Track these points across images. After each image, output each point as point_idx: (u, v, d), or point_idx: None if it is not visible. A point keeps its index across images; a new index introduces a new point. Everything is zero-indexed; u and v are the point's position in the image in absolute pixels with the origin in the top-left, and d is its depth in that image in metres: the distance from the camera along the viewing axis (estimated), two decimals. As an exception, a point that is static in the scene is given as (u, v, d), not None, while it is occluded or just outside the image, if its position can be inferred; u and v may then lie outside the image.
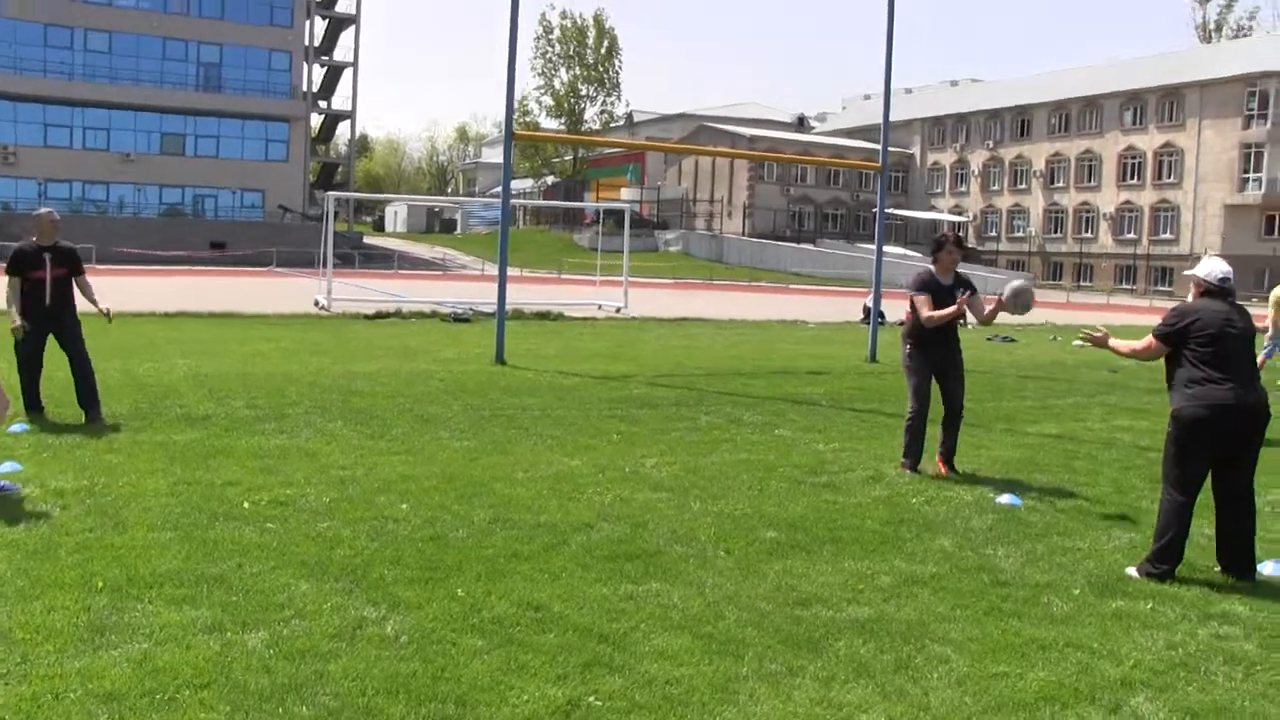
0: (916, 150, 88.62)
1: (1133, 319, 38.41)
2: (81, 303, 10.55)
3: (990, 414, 12.67)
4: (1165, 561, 6.22)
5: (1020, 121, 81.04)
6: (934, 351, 8.97)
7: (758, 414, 12.23)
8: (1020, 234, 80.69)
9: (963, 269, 9.34)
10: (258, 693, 4.26)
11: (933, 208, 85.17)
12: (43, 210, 10.60)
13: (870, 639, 5.11)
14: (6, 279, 10.26)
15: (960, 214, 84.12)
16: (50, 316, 10.31)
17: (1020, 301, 8.77)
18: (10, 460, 8.10)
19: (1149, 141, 71.90)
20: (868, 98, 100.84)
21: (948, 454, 9.08)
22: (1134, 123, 73.07)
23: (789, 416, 12.13)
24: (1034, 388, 15.84)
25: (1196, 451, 6.23)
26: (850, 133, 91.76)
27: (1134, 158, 72.98)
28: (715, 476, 8.66)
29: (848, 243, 78.27)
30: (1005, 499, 8.12)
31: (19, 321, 10.12)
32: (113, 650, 4.62)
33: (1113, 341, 6.86)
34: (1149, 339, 6.55)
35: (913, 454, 9.05)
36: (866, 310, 27.66)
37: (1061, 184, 77.84)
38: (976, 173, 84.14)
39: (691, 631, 5.13)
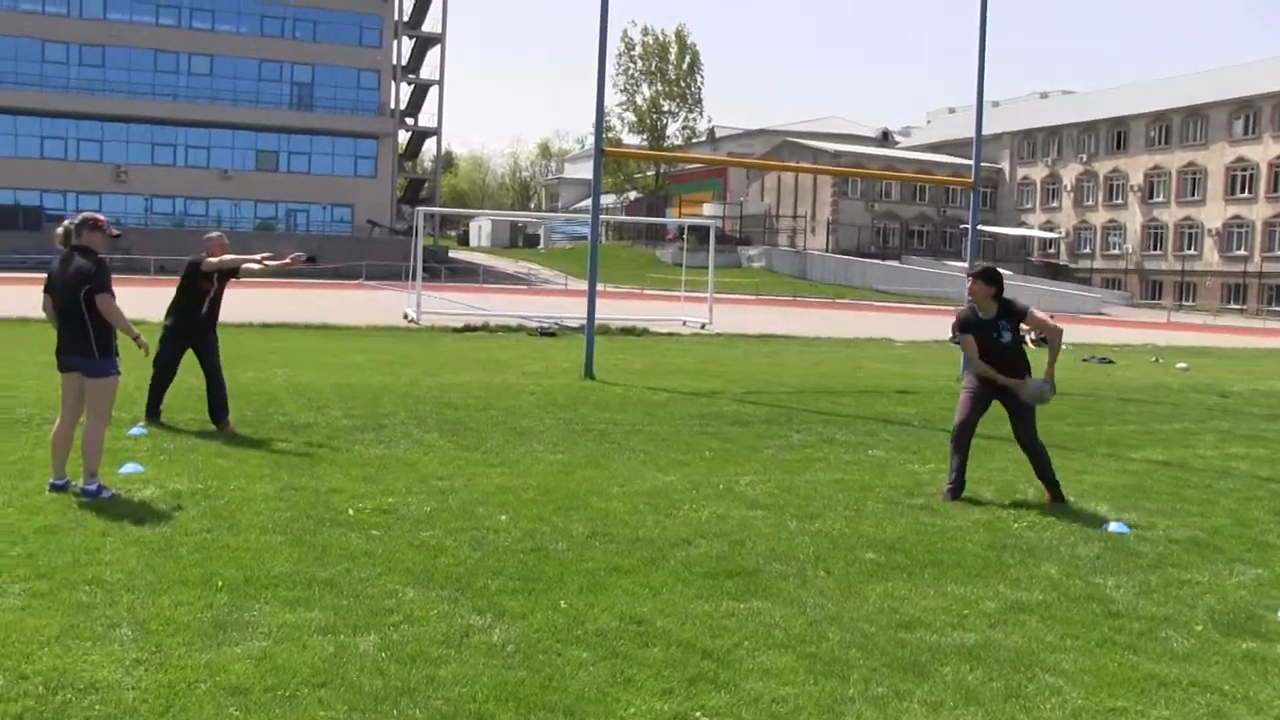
0: (1005, 165, 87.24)
1: (1241, 340, 37.45)
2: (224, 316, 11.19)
3: (1091, 438, 12.41)
4: None
5: (1116, 134, 78.90)
6: (986, 383, 8.71)
7: (850, 433, 12.16)
8: (1116, 251, 78.74)
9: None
10: (372, 694, 4.37)
11: (1023, 224, 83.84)
12: (213, 234, 11.15)
13: (978, 665, 5.03)
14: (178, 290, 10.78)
15: (1051, 230, 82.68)
16: (196, 329, 10.78)
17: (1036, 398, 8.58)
18: (133, 462, 8.53)
19: (1263, 152, 68.72)
20: (952, 111, 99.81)
21: (1046, 484, 8.79)
22: (1245, 132, 70.33)
23: (882, 436, 12.05)
24: (1136, 411, 15.44)
25: None
26: (935, 147, 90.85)
27: (1245, 169, 70.06)
28: (810, 495, 8.62)
29: (934, 259, 77.32)
30: (1113, 527, 7.84)
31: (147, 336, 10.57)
32: (235, 646, 4.79)
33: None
34: None
35: (952, 474, 8.76)
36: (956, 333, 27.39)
37: (1161, 198, 75.42)
38: (1069, 187, 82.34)
39: (795, 650, 5.11)
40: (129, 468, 8.34)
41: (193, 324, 10.73)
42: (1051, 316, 9.09)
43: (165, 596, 5.41)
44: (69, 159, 65.52)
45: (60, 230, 7.62)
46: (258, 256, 11.26)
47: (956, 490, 8.72)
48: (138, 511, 7.07)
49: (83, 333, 7.47)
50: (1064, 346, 27.64)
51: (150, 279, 44.87)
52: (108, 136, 66.06)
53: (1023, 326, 8.68)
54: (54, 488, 7.48)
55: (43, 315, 7.94)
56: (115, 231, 7.94)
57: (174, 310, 10.79)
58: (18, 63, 63.94)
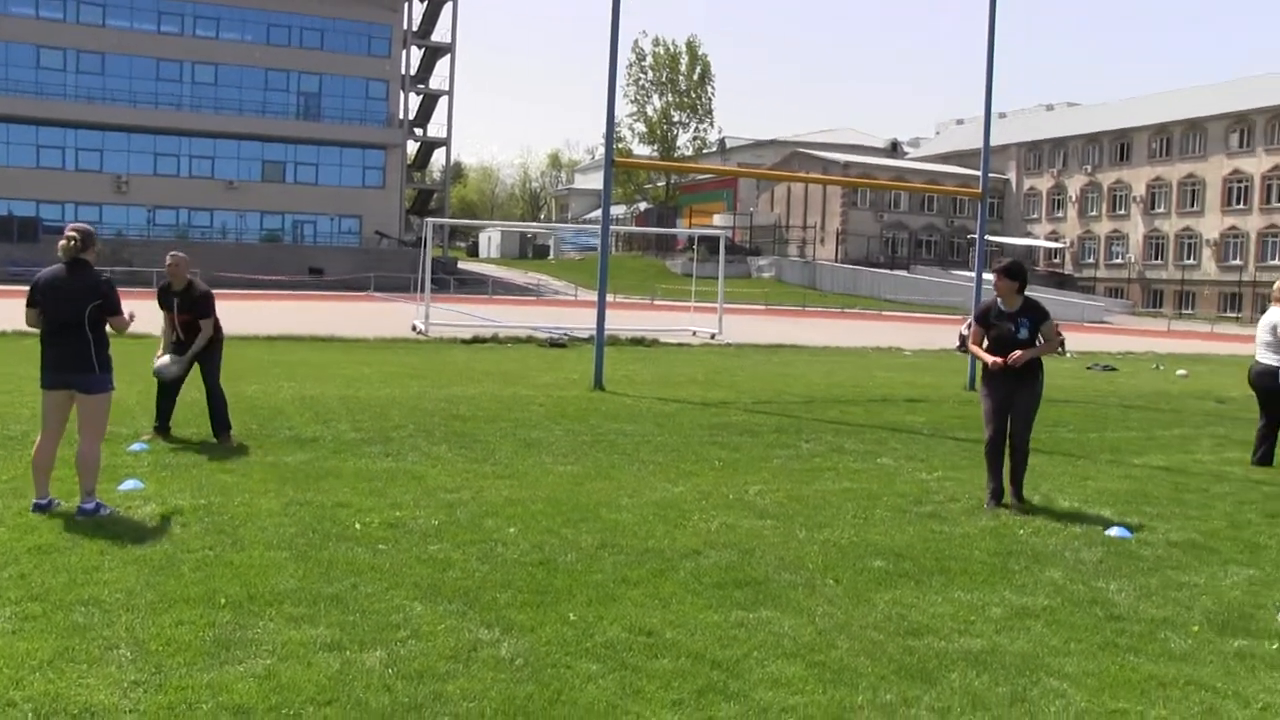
0: (1012, 175, 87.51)
1: (1238, 348, 37.43)
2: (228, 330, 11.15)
3: (1095, 444, 12.45)
4: None
5: (1119, 145, 79.67)
6: (999, 378, 8.76)
7: (859, 442, 12.15)
8: (1119, 260, 79.15)
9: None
10: (379, 711, 4.35)
11: (1029, 234, 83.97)
12: (170, 254, 10.81)
13: (984, 671, 5.05)
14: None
15: (1057, 240, 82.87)
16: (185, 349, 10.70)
17: None
18: (133, 478, 8.45)
19: (1257, 165, 70.04)
20: (961, 122, 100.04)
21: (1014, 484, 8.88)
22: (1241, 145, 71.25)
23: (890, 445, 12.05)
24: (1138, 418, 15.48)
25: None
26: (944, 158, 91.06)
27: (1240, 181, 71.13)
28: (820, 505, 8.63)
29: (942, 269, 77.47)
30: (1115, 531, 7.96)
31: (164, 358, 10.56)
32: (238, 665, 4.76)
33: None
34: None
35: (991, 483, 8.88)
36: (963, 338, 27.38)
37: (1163, 209, 76.24)
38: (1074, 198, 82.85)
39: (804, 659, 5.11)
40: (129, 484, 8.26)
41: (179, 348, 10.68)
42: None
43: (166, 615, 5.35)
44: (67, 169, 64.91)
45: (64, 242, 7.45)
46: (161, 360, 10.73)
47: (998, 497, 8.84)
48: (138, 529, 7.00)
49: (84, 348, 7.40)
50: (1064, 354, 27.61)
51: (152, 291, 44.97)
52: (108, 146, 65.59)
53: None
54: (37, 508, 7.32)
55: (31, 329, 7.76)
56: (101, 246, 7.95)
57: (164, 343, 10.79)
58: (10, 68, 63.22)
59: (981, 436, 9.03)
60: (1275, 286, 11.79)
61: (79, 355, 7.40)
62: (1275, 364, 11.20)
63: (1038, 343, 8.68)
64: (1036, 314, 8.75)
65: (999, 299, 8.84)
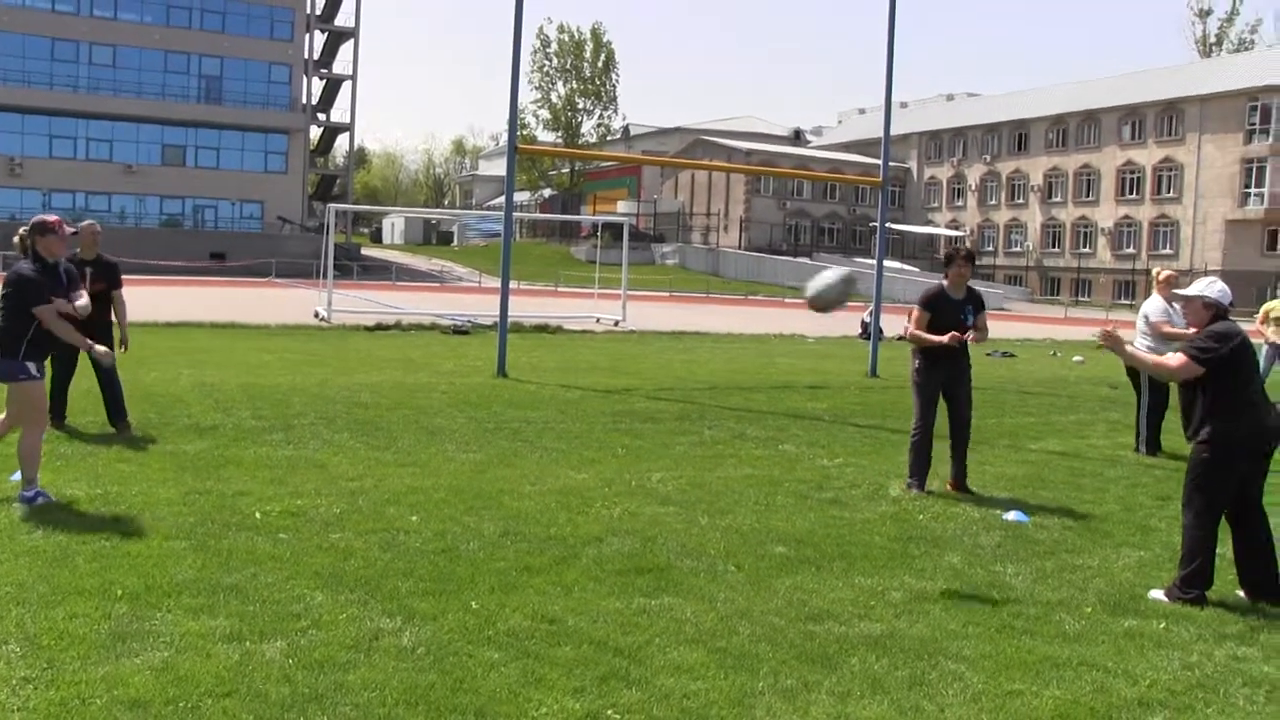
0: (913, 164, 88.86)
1: (1131, 334, 38.44)
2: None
3: (993, 430, 12.69)
4: (1195, 586, 6.15)
5: (1018, 136, 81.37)
6: (942, 368, 8.94)
7: (761, 429, 12.27)
8: (1018, 249, 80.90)
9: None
10: (279, 702, 4.30)
11: (929, 222, 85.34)
12: (85, 222, 10.41)
13: (884, 655, 5.14)
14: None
15: (957, 228, 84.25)
16: (87, 331, 10.11)
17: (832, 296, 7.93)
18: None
19: (1148, 156, 72.18)
20: (863, 112, 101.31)
21: (958, 475, 9.07)
22: (1133, 137, 73.36)
23: (792, 431, 12.18)
24: (1036, 404, 15.87)
25: (1231, 476, 6.16)
26: (846, 146, 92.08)
27: (1133, 172, 73.25)
28: (722, 491, 8.70)
29: (844, 256, 78.09)
30: (1012, 516, 8.13)
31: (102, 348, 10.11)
32: (135, 658, 4.67)
33: (1130, 348, 6.67)
34: (1182, 359, 6.21)
35: (919, 473, 9.01)
36: (865, 325, 27.75)
37: (1059, 199, 78.11)
38: (973, 187, 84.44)
39: (706, 646, 5.16)
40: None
41: (78, 327, 10.20)
42: None
43: (59, 609, 5.21)
44: (-43, 150, 62.85)
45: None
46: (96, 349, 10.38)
47: (923, 483, 9.00)
48: (31, 520, 6.81)
49: None
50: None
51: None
52: (1, 127, 63.44)
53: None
54: None
55: None
56: (72, 229, 7.70)
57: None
58: None
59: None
60: (1154, 272, 12.13)
61: None
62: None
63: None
64: (979, 302, 9.03)
65: (947, 286, 8.97)
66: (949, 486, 9.03)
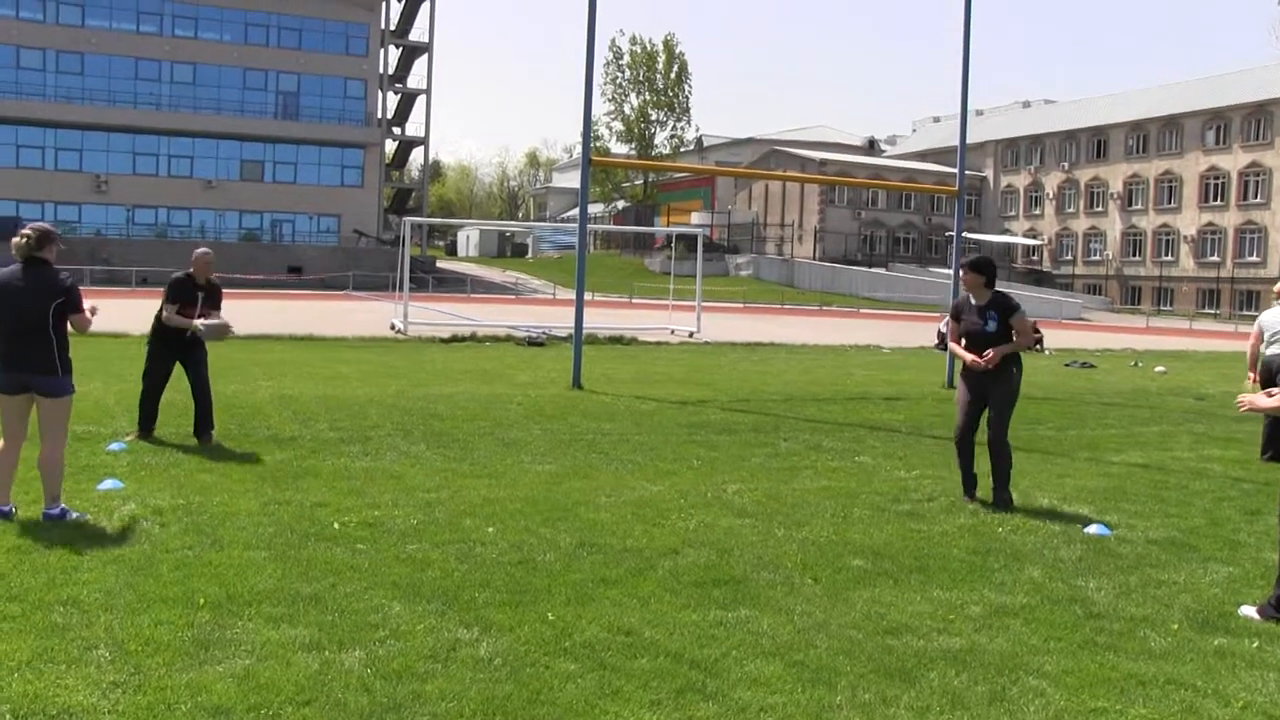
0: (989, 173, 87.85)
1: (1216, 344, 37.68)
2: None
3: (1073, 442, 12.50)
4: None
5: (1096, 142, 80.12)
6: (975, 375, 8.78)
7: (837, 440, 12.18)
8: (1097, 257, 79.61)
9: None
10: (358, 712, 4.33)
11: (1006, 231, 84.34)
12: (200, 250, 10.93)
13: (963, 670, 5.06)
14: (164, 305, 10.61)
15: (1034, 237, 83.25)
16: (184, 345, 10.69)
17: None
18: (112, 478, 8.41)
19: (1234, 161, 70.55)
20: (937, 120, 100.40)
21: (996, 482, 8.83)
22: (1217, 142, 71.76)
23: (868, 443, 12.07)
24: (1117, 415, 15.56)
25: None
26: (921, 155, 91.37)
27: (1217, 178, 71.64)
28: (798, 503, 8.64)
29: (920, 266, 77.67)
30: (1094, 529, 7.97)
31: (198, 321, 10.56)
32: (217, 665, 4.74)
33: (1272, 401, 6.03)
34: None
35: (963, 475, 8.97)
36: (941, 335, 27.47)
37: (1140, 206, 76.72)
38: (1051, 195, 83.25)
39: (783, 659, 5.12)
40: (108, 483, 8.20)
41: (180, 343, 10.67)
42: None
43: (145, 616, 5.31)
44: (46, 168, 64.65)
45: (19, 240, 7.23)
46: (199, 323, 10.61)
47: (970, 490, 8.94)
48: (116, 529, 6.96)
49: (47, 350, 7.13)
50: (1044, 351, 27.65)
51: (131, 290, 44.77)
52: (87, 145, 65.24)
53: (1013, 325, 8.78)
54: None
55: None
56: (62, 244, 7.72)
57: (157, 323, 10.71)
58: (-10, 69, 62.94)
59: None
60: (1276, 289, 11.86)
61: (44, 358, 7.14)
62: None
63: (1014, 337, 8.73)
64: (1005, 307, 8.77)
65: (969, 293, 8.92)
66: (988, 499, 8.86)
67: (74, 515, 7.16)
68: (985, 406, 8.83)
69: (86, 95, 64.98)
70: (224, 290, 11.03)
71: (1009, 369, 8.79)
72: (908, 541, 7.50)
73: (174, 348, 10.71)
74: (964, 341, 8.86)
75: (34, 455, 7.44)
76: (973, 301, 8.86)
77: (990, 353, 8.60)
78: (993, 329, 8.69)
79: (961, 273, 8.97)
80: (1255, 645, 5.60)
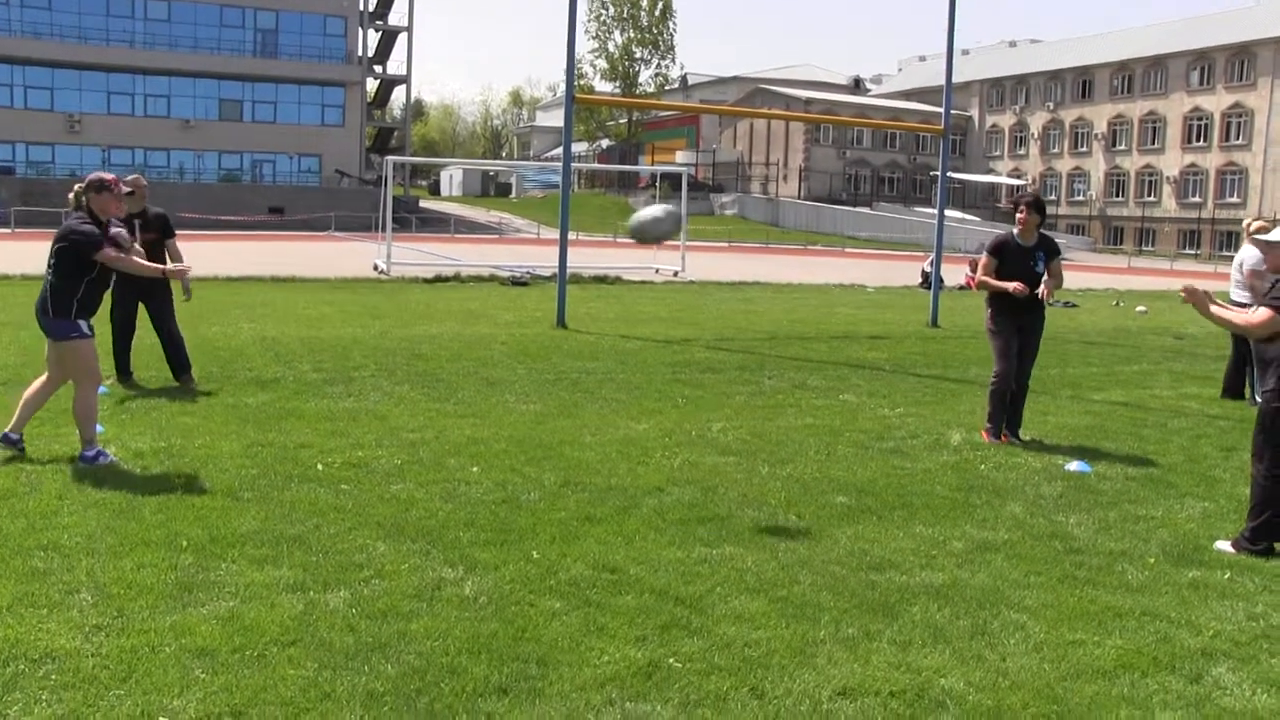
0: (974, 112, 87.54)
1: (1198, 284, 37.79)
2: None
3: (1055, 381, 12.56)
4: (1264, 539, 6.06)
5: (1081, 83, 79.87)
6: (1014, 316, 8.79)
7: (821, 379, 12.20)
8: (1080, 198, 79.67)
9: None
10: (343, 651, 4.34)
11: (991, 171, 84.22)
12: (130, 176, 10.17)
13: (945, 604, 5.11)
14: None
15: (1019, 177, 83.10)
16: (138, 284, 10.02)
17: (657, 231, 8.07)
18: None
19: (1216, 102, 70.61)
20: (923, 59, 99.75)
21: (1011, 423, 8.99)
22: (1201, 83, 71.67)
23: (852, 381, 12.10)
24: (1098, 354, 15.65)
25: None
26: (906, 95, 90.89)
27: (1200, 119, 71.67)
28: (782, 441, 8.66)
29: (904, 206, 77.60)
30: (1075, 466, 8.05)
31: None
32: (201, 607, 4.72)
33: (1215, 308, 6.21)
34: (1266, 313, 5.99)
35: (995, 420, 8.92)
36: (926, 274, 27.47)
37: (1124, 147, 76.69)
38: (1036, 135, 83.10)
39: (767, 595, 5.15)
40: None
41: (132, 281, 9.76)
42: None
43: (127, 559, 5.28)
44: (16, 107, 62.84)
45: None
46: (168, 267, 9.36)
47: (1013, 428, 9.00)
48: (98, 473, 6.88)
49: (45, 291, 7.27)
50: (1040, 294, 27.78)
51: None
52: (58, 84, 63.59)
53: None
54: (4, 439, 7.23)
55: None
56: (128, 189, 7.73)
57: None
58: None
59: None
60: (1245, 223, 11.86)
61: (42, 297, 7.29)
62: (1246, 301, 11.26)
63: (1049, 277, 8.76)
64: (1051, 249, 8.84)
65: (1016, 233, 8.83)
66: (1002, 438, 8.92)
67: (107, 459, 7.16)
68: (1020, 350, 8.89)
69: (55, 30, 63.13)
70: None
71: (1043, 310, 8.91)
72: (891, 478, 7.54)
73: (131, 289, 10.18)
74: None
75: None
76: (1020, 242, 8.79)
77: (1043, 289, 8.61)
78: (1040, 270, 8.74)
79: (1022, 210, 8.77)
80: (1226, 577, 5.70)
